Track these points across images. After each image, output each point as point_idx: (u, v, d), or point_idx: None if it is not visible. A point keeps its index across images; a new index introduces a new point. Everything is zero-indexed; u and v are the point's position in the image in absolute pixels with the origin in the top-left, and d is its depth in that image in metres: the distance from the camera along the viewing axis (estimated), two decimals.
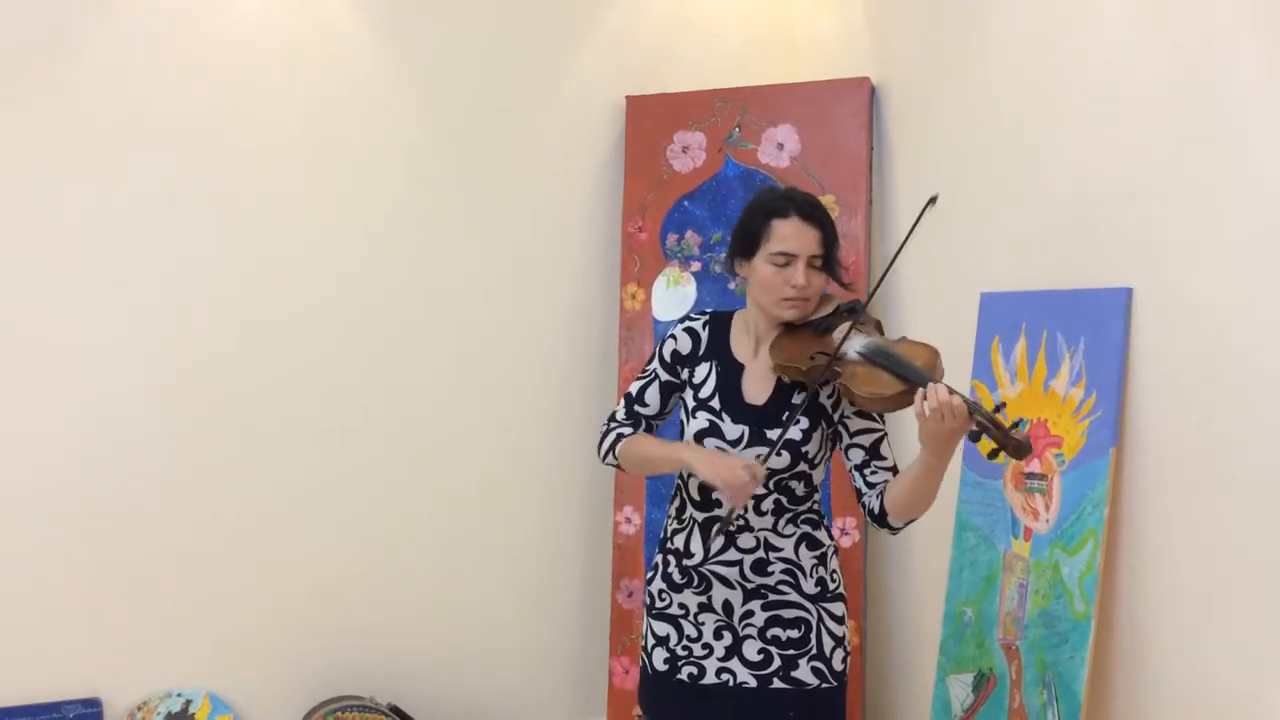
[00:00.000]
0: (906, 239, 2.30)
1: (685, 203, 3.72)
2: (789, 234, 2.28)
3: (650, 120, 3.77)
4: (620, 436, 2.44)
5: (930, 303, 3.34)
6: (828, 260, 2.31)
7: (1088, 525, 2.50)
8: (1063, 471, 2.60)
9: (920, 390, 2.09)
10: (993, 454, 2.07)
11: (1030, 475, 2.70)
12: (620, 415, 2.46)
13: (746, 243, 2.34)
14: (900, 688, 3.49)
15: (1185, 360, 2.33)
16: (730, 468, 2.20)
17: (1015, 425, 2.05)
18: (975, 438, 2.06)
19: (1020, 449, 2.03)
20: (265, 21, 3.46)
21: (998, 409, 2.07)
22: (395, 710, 3.53)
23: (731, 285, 3.65)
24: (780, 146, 3.64)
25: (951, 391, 2.07)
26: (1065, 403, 2.61)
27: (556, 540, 3.84)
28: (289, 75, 3.50)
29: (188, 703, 3.42)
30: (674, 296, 3.73)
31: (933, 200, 2.31)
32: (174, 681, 3.43)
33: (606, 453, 2.46)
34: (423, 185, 3.67)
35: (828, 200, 3.57)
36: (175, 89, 3.37)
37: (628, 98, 3.81)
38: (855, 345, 2.24)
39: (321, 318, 3.57)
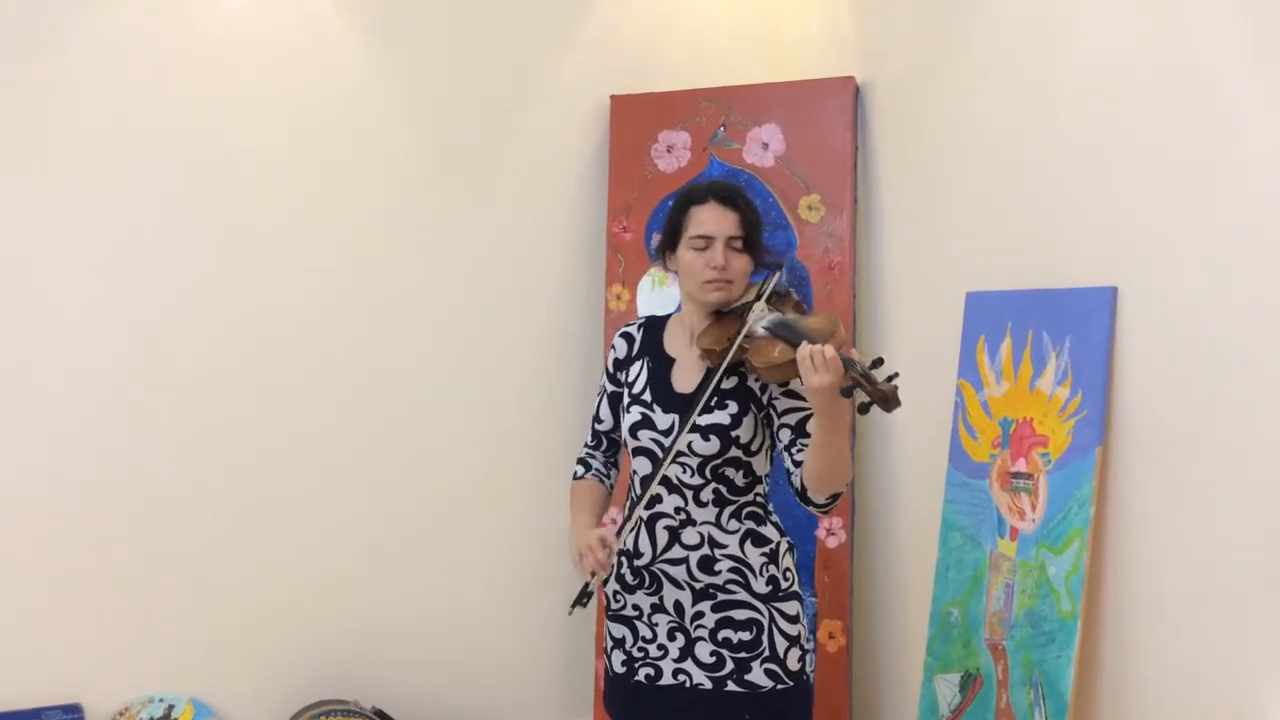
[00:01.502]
0: (757, 298, 2.33)
1: (670, 203, 3.70)
2: (706, 218, 2.36)
3: (635, 119, 3.76)
4: (574, 476, 2.55)
5: (916, 302, 3.34)
6: (749, 242, 2.36)
7: (1074, 525, 2.50)
8: (1049, 471, 2.59)
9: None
10: (864, 408, 2.08)
11: (1016, 475, 2.69)
12: (588, 439, 2.58)
13: (671, 235, 2.42)
14: (887, 688, 3.49)
15: (1171, 359, 2.33)
16: (581, 537, 2.29)
17: (890, 379, 2.05)
18: (847, 393, 2.06)
19: (886, 400, 2.04)
20: (254, 21, 3.45)
21: (875, 364, 2.08)
22: (380, 714, 3.51)
23: None
24: (765, 146, 3.63)
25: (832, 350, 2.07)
26: (1051, 402, 2.61)
27: (542, 541, 3.81)
28: (278, 75, 3.49)
29: (170, 708, 3.39)
30: (659, 297, 3.71)
31: (779, 267, 2.41)
32: (156, 686, 3.40)
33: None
34: (408, 185, 3.65)
35: (813, 199, 3.56)
36: (165, 88, 3.36)
37: (612, 97, 3.79)
38: (764, 321, 2.29)
39: (307, 318, 3.55)
